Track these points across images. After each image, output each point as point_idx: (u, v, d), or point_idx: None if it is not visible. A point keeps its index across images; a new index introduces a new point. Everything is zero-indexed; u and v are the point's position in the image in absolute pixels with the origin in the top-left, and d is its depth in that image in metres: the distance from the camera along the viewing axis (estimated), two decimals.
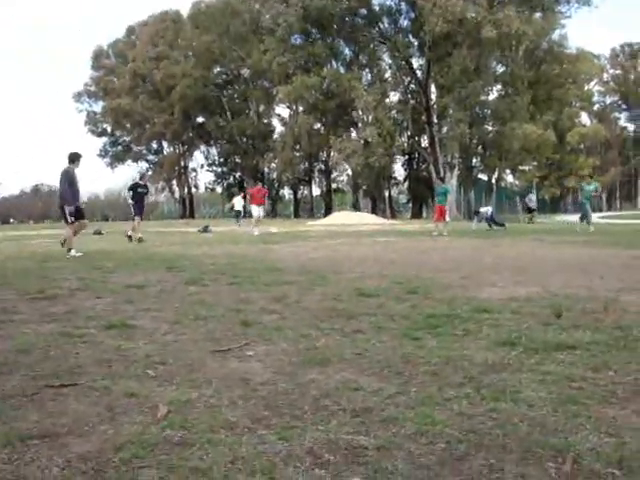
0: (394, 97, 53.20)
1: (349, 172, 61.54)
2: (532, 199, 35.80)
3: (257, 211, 24.54)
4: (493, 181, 54.19)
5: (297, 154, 61.74)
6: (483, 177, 56.77)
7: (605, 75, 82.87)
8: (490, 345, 4.54)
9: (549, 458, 2.64)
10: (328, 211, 56.30)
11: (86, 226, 14.28)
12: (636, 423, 3.00)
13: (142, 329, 5.31)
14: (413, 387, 3.62)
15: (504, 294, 6.94)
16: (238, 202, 35.74)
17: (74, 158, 13.57)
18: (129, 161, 76.56)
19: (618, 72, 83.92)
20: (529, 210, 35.28)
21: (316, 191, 72.46)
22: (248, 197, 26.51)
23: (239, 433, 2.94)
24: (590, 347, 4.42)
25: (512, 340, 4.62)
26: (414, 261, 11.61)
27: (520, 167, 57.75)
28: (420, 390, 3.56)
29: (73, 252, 12.90)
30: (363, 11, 49.16)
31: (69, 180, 13.19)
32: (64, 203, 13.25)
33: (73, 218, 13.19)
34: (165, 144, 75.24)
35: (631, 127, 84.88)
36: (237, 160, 70.52)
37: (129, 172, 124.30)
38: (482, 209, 31.15)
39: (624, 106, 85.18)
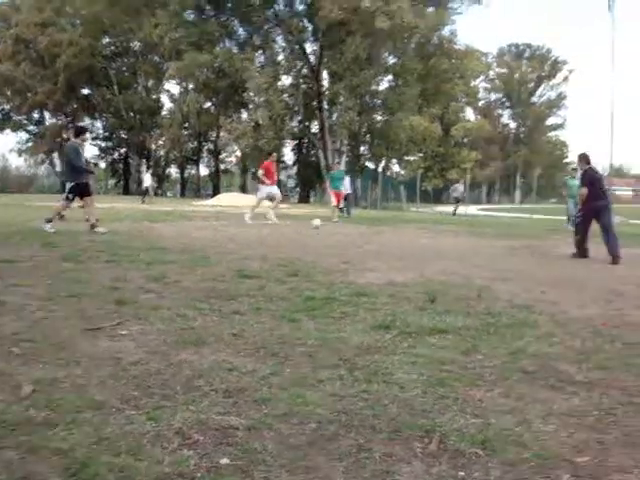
0: (286, 81, 52.93)
1: (238, 154, 60.93)
2: (458, 189, 35.78)
3: (276, 190, 18.79)
4: (380, 170, 55.16)
5: (185, 132, 60.54)
6: (370, 165, 57.72)
7: (491, 73, 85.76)
8: (366, 328, 4.60)
9: (416, 438, 2.70)
10: (215, 192, 55.57)
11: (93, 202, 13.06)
12: (501, 405, 3.12)
13: (10, 305, 5.05)
14: (288, 368, 3.62)
15: (383, 279, 7.07)
16: (147, 179, 34.73)
17: (80, 132, 12.78)
18: (7, 130, 72.82)
19: (504, 71, 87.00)
20: (456, 200, 34.91)
21: (204, 171, 71.44)
22: (260, 174, 18.68)
23: (106, 413, 2.85)
24: (461, 332, 4.57)
25: (387, 323, 4.71)
26: (298, 245, 11.63)
27: (406, 157, 59.07)
28: (294, 371, 3.56)
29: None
30: None
31: (74, 155, 12.30)
32: (67, 179, 12.48)
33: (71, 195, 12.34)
34: (47, 115, 72.01)
35: (513, 124, 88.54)
36: (123, 135, 68.23)
37: (8, 141, 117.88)
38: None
39: (507, 104, 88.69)
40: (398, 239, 14.18)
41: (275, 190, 18.58)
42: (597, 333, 4.72)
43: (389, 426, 2.81)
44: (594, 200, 10.93)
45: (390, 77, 52.59)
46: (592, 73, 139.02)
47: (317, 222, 16.24)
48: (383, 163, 57.18)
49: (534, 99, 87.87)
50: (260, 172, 18.60)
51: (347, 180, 24.17)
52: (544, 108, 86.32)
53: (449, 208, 36.96)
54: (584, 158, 11.29)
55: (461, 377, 3.54)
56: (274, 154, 20.80)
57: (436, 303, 5.57)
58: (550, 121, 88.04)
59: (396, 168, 65.20)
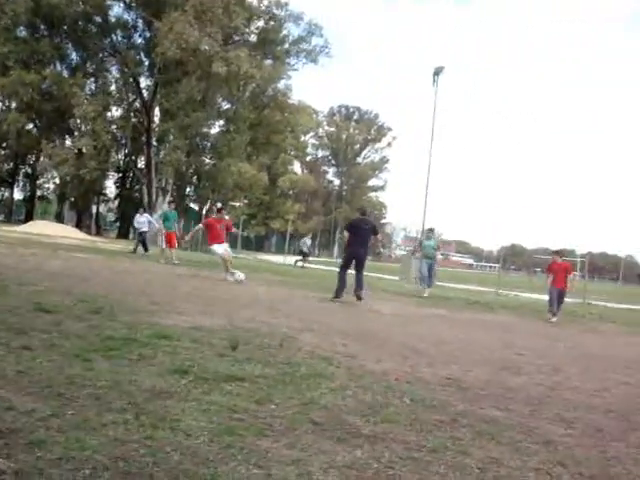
0: (116, 112, 51.70)
1: (57, 181, 58.18)
2: (306, 242, 35.71)
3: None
4: (204, 212, 54.88)
5: (2, 152, 57.09)
6: (194, 207, 57.34)
7: (321, 130, 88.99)
8: (162, 372, 4.47)
9: None
10: (29, 218, 52.60)
11: None
12: (285, 456, 3.12)
13: None
14: (71, 410, 3.42)
15: (189, 323, 6.95)
16: None
17: None
18: None
19: (333, 130, 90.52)
20: (302, 254, 34.55)
21: (19, 195, 67.48)
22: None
23: None
24: (258, 380, 4.56)
25: (185, 368, 4.61)
26: (108, 280, 11.22)
27: (231, 202, 59.33)
28: (78, 413, 3.37)
29: None
30: (98, 19, 47.43)
31: None
32: None
33: None
34: None
35: (337, 181, 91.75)
36: None
37: None
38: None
39: (334, 162, 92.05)
40: (212, 283, 14.07)
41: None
42: (389, 388, 4.88)
43: (168, 475, 2.71)
44: (352, 247, 13.52)
45: (222, 122, 52.89)
46: (414, 141, 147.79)
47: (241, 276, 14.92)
48: (207, 205, 56.97)
49: (359, 160, 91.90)
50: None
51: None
52: (367, 169, 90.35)
53: (274, 258, 37.47)
54: (359, 209, 15.27)
55: (251, 426, 3.50)
56: (222, 210, 17.49)
57: (238, 350, 5.53)
58: (372, 182, 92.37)
59: None
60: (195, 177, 54.66)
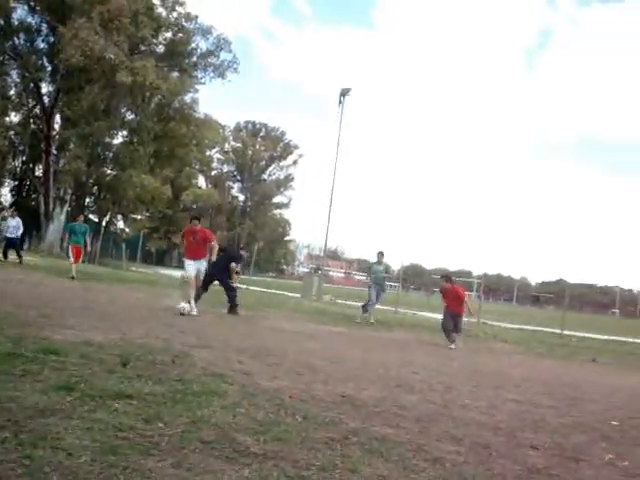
0: (15, 118, 49.74)
1: None
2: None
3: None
4: (104, 224, 53.44)
5: None
6: (94, 218, 55.81)
7: (227, 145, 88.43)
8: (47, 388, 4.28)
9: None
10: None
11: None
12: (170, 475, 3.04)
13: None
14: None
15: (80, 337, 6.72)
16: None
17: None
18: None
19: (238, 145, 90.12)
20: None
21: None
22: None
23: None
24: (148, 398, 4.43)
25: (71, 385, 4.43)
26: None
27: (132, 215, 58.08)
28: None
29: None
30: (0, 21, 45.69)
31: None
32: None
33: None
34: None
35: (242, 197, 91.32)
36: None
37: None
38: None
39: (239, 177, 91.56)
40: (110, 296, 13.71)
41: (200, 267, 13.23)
42: (282, 405, 4.85)
43: None
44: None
45: (125, 132, 51.77)
46: (321, 160, 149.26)
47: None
48: (108, 217, 55.49)
49: (264, 176, 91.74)
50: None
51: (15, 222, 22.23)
52: (273, 186, 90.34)
53: (172, 272, 36.87)
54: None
55: (136, 445, 3.40)
56: (196, 220, 13.73)
57: (129, 367, 5.38)
58: (277, 199, 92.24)
59: (121, 224, 63.66)
60: (95, 188, 53.17)
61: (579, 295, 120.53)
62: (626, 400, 7.89)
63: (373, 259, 19.12)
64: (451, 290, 14.22)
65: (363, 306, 17.93)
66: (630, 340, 22.63)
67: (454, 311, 13.94)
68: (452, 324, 13.77)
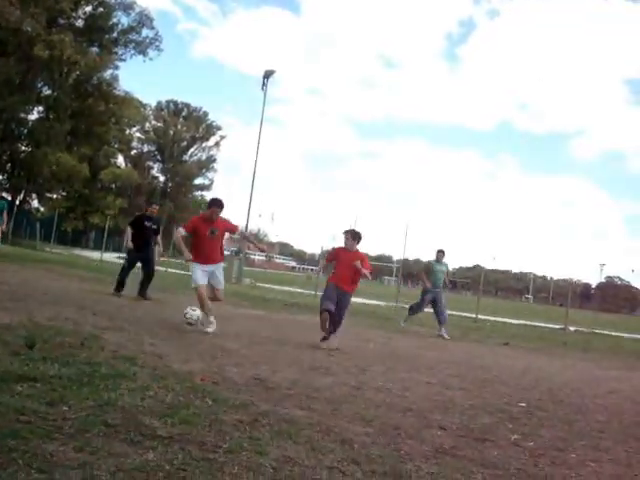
0: None
1: None
2: None
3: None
4: (17, 202, 51.72)
5: None
6: (7, 196, 53.91)
7: (148, 124, 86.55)
8: None
9: None
10: None
11: None
12: (72, 459, 2.96)
13: None
14: None
15: None
16: None
17: None
18: None
19: (160, 125, 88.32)
20: None
21: None
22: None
23: None
24: (53, 380, 4.31)
25: None
26: None
27: (48, 194, 56.42)
28: None
29: None
30: None
31: None
32: None
33: None
34: None
35: (162, 178, 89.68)
36: None
37: None
38: None
39: (159, 157, 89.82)
40: (21, 278, 13.29)
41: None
42: (192, 388, 4.80)
43: None
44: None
45: (41, 108, 50.14)
46: (246, 142, 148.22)
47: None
48: (22, 196, 53.75)
49: (186, 157, 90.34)
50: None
51: None
52: (194, 167, 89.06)
53: (94, 254, 36.11)
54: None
55: (38, 429, 3.29)
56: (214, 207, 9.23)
57: (35, 349, 5.22)
58: (198, 181, 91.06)
59: (35, 203, 61.79)
60: (9, 165, 51.37)
61: (495, 281, 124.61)
62: (534, 382, 8.15)
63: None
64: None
65: (410, 307, 15.80)
66: (541, 325, 23.50)
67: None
68: None
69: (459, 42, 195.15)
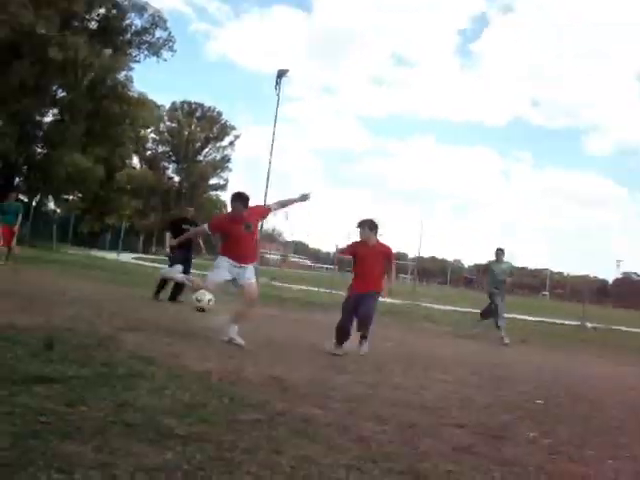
0: None
1: None
2: None
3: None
4: (34, 204, 52.04)
5: None
6: (24, 199, 54.30)
7: (162, 125, 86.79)
8: None
9: None
10: None
11: None
12: (91, 459, 2.98)
13: None
14: None
15: (3, 320, 6.53)
16: None
17: None
18: None
19: (174, 125, 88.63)
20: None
21: None
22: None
23: None
24: (72, 381, 4.35)
25: None
26: None
27: (64, 196, 56.70)
28: None
29: None
30: None
31: None
32: None
33: None
34: None
35: (177, 178, 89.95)
36: None
37: None
38: None
39: (174, 158, 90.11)
40: (40, 279, 13.41)
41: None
42: (209, 388, 4.83)
43: None
44: None
45: (56, 110, 50.41)
46: (260, 141, 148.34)
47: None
48: (38, 198, 54.05)
49: (200, 157, 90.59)
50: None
51: None
52: (209, 167, 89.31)
53: (106, 254, 36.39)
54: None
55: (57, 430, 3.33)
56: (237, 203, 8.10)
57: (53, 350, 5.27)
58: (213, 181, 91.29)
59: (52, 205, 62.11)
60: (25, 167, 51.67)
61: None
62: (551, 379, 8.12)
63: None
64: None
65: (482, 313, 14.67)
66: (558, 322, 23.35)
67: None
68: None
69: (472, 38, 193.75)
